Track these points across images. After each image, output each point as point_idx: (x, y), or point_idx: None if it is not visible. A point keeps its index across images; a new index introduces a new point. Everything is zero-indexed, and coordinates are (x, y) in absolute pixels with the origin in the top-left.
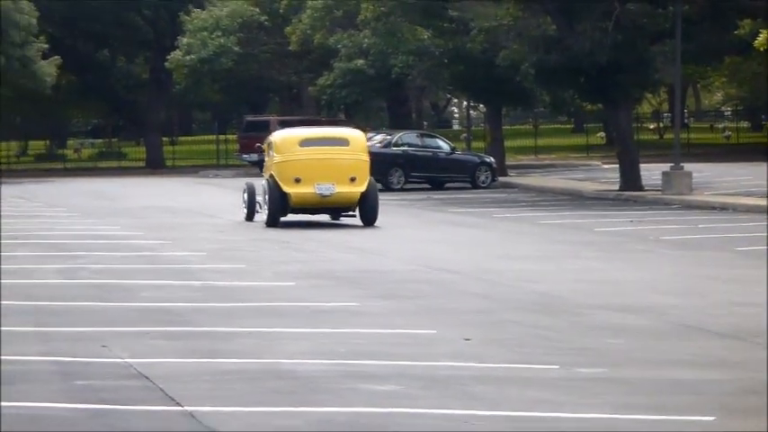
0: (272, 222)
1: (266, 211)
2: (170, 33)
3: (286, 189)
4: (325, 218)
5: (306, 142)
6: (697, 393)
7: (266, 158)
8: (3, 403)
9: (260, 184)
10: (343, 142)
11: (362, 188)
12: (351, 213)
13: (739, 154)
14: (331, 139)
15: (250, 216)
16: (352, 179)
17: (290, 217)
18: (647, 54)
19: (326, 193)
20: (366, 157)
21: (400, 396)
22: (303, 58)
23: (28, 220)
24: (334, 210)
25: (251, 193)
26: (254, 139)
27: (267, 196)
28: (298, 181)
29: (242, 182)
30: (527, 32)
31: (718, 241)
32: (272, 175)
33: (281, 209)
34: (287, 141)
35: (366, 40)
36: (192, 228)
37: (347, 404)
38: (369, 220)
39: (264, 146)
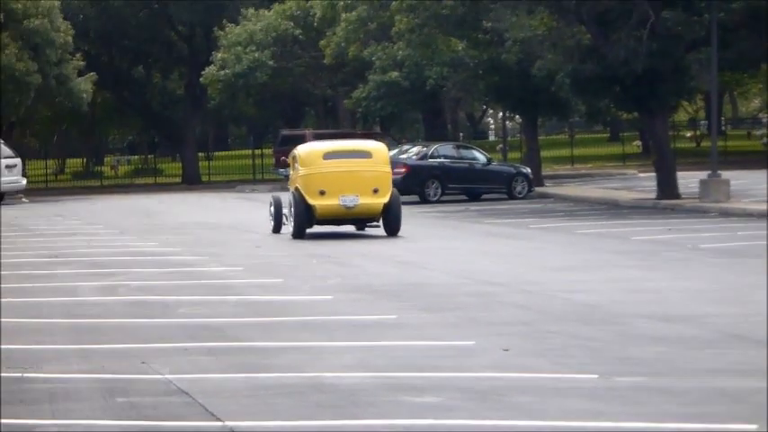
0: (299, 234)
1: (293, 224)
2: (205, 49)
3: (311, 201)
4: (350, 228)
5: (329, 155)
6: (738, 402)
7: (291, 172)
8: (45, 421)
9: (286, 196)
10: (365, 155)
11: (385, 199)
12: (375, 224)
13: None
14: (354, 151)
15: (277, 228)
16: (375, 190)
17: (316, 228)
18: (683, 62)
19: (351, 204)
20: (388, 169)
21: (441, 408)
22: (338, 71)
23: (66, 238)
24: (359, 221)
25: (277, 205)
26: (289, 153)
27: (293, 209)
28: (322, 193)
29: None
30: (562, 42)
31: (757, 249)
32: (297, 188)
33: (306, 221)
34: (311, 155)
35: (400, 52)
36: (229, 243)
37: (389, 416)
38: (393, 230)
39: (289, 159)
